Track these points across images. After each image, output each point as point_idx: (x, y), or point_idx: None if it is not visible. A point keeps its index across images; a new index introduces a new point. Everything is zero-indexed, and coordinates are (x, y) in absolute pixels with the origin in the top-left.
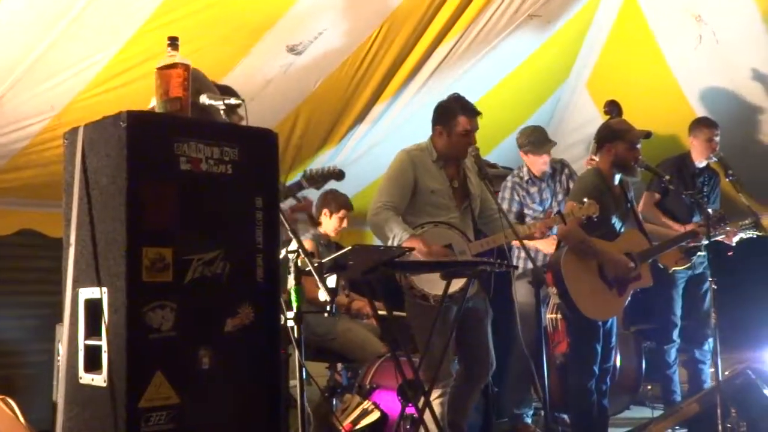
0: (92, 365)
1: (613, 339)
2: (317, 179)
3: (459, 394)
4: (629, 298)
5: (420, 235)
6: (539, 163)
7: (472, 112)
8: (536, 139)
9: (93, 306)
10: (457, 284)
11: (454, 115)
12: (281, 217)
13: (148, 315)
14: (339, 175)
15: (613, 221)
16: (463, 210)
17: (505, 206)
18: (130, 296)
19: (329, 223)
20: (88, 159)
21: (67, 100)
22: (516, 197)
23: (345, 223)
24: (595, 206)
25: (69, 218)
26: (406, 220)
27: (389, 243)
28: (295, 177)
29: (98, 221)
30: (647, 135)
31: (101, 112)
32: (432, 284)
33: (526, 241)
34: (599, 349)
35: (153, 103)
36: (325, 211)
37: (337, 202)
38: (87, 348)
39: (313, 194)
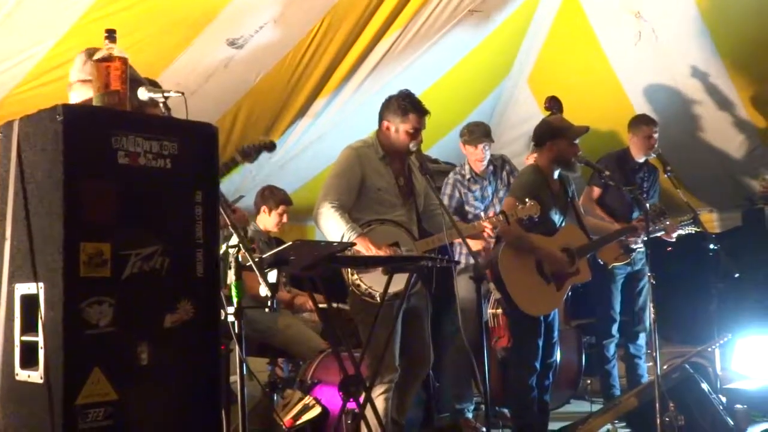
0: (29, 362)
1: (555, 334)
2: (249, 152)
3: (397, 388)
4: (569, 293)
5: (367, 233)
6: (474, 156)
7: (422, 111)
8: (475, 131)
9: (29, 302)
10: (400, 282)
11: (405, 112)
12: (222, 211)
13: (86, 311)
14: (270, 146)
15: (552, 217)
16: (408, 207)
17: (445, 202)
18: (68, 292)
19: (269, 220)
20: (23, 153)
21: (2, 94)
22: (457, 194)
23: (285, 219)
24: (537, 207)
25: (4, 213)
26: (351, 216)
27: (336, 240)
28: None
29: (34, 216)
30: (586, 130)
31: (38, 106)
32: (379, 282)
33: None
34: (540, 344)
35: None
36: (264, 207)
37: (276, 198)
38: (23, 344)
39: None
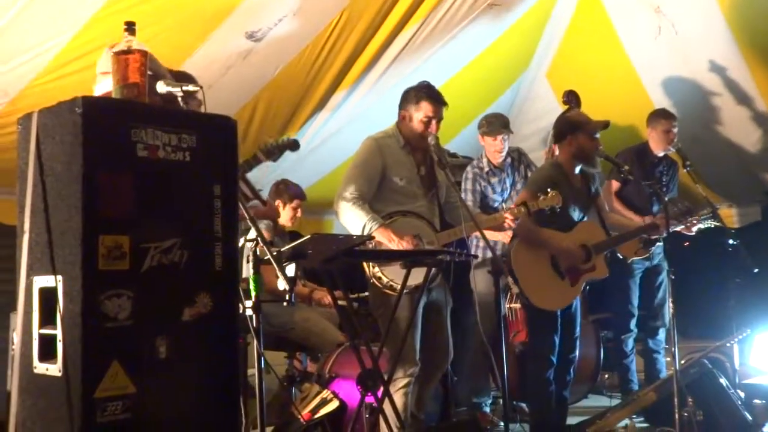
0: (47, 354)
1: (577, 329)
2: (273, 151)
3: (416, 382)
4: (586, 288)
5: (389, 225)
6: (493, 147)
7: (437, 100)
8: (494, 122)
9: (48, 294)
10: (420, 275)
11: (419, 99)
12: (240, 205)
13: (105, 304)
14: (294, 144)
15: (570, 212)
16: (430, 198)
17: (468, 198)
18: (86, 285)
19: (283, 214)
20: (42, 145)
21: (21, 86)
22: (478, 188)
23: (299, 213)
24: (558, 197)
25: (23, 205)
26: (373, 208)
27: (357, 232)
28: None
29: (53, 209)
30: (605, 125)
31: (57, 98)
32: (400, 275)
33: (487, 232)
34: (556, 339)
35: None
36: (278, 202)
37: (290, 192)
38: (42, 337)
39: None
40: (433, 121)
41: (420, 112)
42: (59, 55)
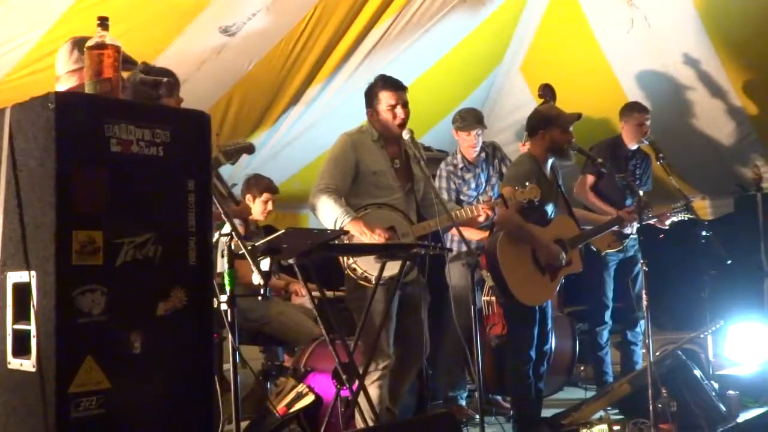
0: (21, 350)
1: (550, 321)
2: (232, 154)
3: (392, 377)
4: (562, 281)
5: (362, 217)
6: (467, 142)
7: (393, 85)
8: (468, 117)
9: (21, 290)
10: (395, 267)
11: (376, 93)
12: (214, 200)
13: (78, 299)
14: (249, 148)
15: (546, 207)
16: (407, 191)
17: (443, 195)
18: (60, 280)
19: (254, 209)
20: (15, 141)
21: None
22: (453, 185)
23: (270, 206)
24: (537, 190)
25: None
26: (349, 202)
27: (331, 226)
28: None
29: (26, 204)
30: (578, 117)
31: (30, 94)
32: (375, 267)
33: (464, 231)
34: (535, 333)
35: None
36: (249, 196)
37: (259, 186)
38: (15, 332)
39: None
40: (399, 107)
41: (382, 103)
42: (32, 51)
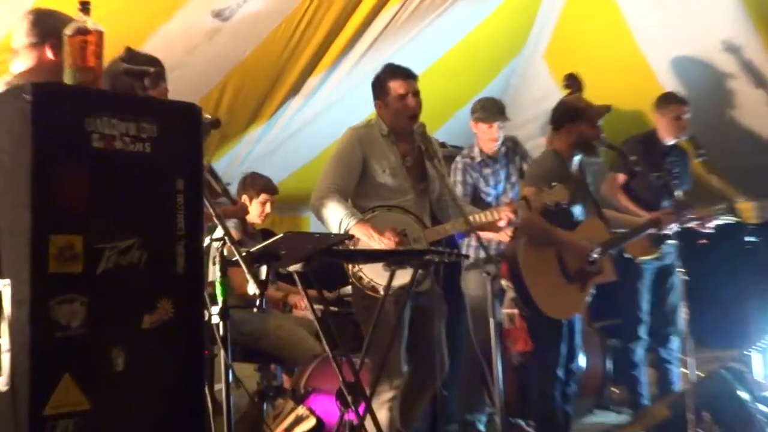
0: None
1: (578, 337)
2: None
3: (404, 399)
4: (592, 293)
5: (369, 219)
6: (488, 135)
7: (402, 74)
8: (489, 107)
9: None
10: (406, 275)
11: (383, 83)
12: (205, 201)
13: (55, 310)
14: (215, 123)
15: (573, 209)
16: (420, 192)
17: (459, 191)
18: (35, 289)
19: (251, 211)
20: None
21: None
22: (469, 179)
23: (268, 208)
24: (565, 192)
25: None
26: (356, 204)
27: (335, 230)
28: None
29: None
30: (608, 110)
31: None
32: (382, 275)
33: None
34: (562, 350)
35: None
36: (244, 197)
37: (256, 186)
38: None
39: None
40: (409, 96)
41: (391, 94)
42: (4, 40)
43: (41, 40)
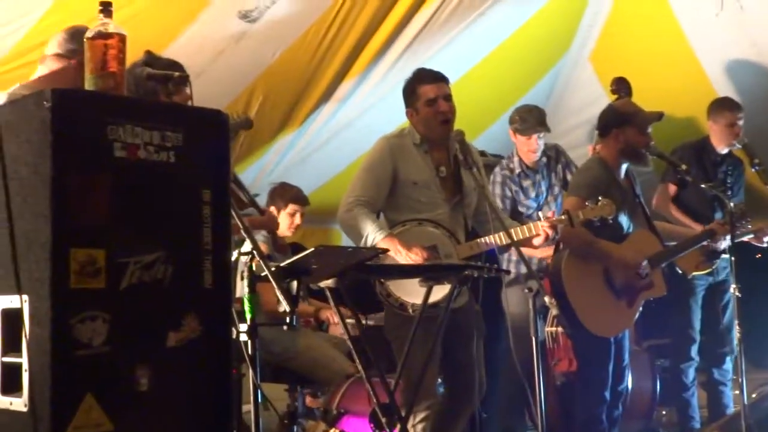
0: (11, 386)
1: (626, 356)
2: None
3: (441, 421)
4: (640, 310)
5: (398, 234)
6: (527, 146)
7: (430, 77)
8: (528, 118)
9: (12, 317)
10: (441, 293)
11: (413, 89)
12: (233, 213)
13: (77, 327)
14: (246, 123)
15: (620, 220)
16: (454, 205)
17: (498, 205)
18: (56, 306)
19: (279, 223)
20: (5, 145)
21: None
22: (508, 193)
23: (298, 220)
24: (611, 206)
25: None
26: (387, 217)
27: (361, 244)
28: None
29: (18, 217)
30: (659, 117)
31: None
32: (410, 293)
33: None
34: (609, 370)
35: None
36: (272, 208)
37: (285, 196)
38: (5, 366)
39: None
40: (439, 100)
41: (421, 99)
42: (25, 39)
43: (70, 55)
